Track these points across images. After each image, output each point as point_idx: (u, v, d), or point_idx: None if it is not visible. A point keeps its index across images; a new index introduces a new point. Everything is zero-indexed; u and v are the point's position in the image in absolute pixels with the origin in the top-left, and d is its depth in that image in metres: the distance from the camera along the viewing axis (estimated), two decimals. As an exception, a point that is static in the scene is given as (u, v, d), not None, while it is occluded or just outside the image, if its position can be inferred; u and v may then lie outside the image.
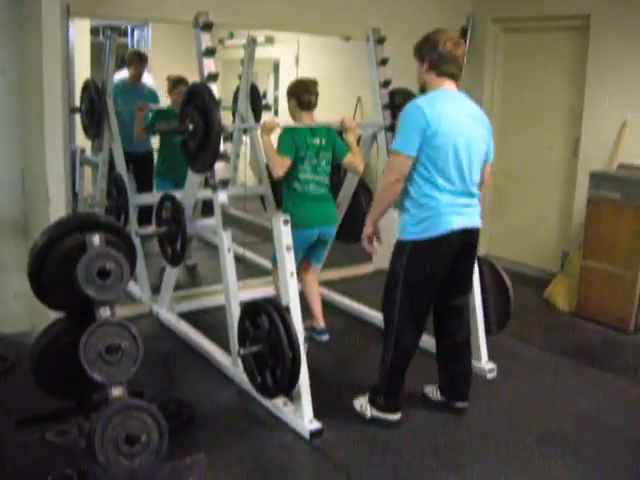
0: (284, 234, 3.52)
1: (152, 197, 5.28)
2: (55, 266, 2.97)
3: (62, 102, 4.18)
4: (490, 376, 4.19)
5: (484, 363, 4.23)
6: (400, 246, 3.50)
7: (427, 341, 4.00)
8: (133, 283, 5.19)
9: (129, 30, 8.49)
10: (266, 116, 6.61)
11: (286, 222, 3.53)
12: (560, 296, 5.63)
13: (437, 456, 3.37)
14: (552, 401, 3.98)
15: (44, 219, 3.96)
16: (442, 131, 3.25)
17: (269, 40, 7.82)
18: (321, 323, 4.68)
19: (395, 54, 4.88)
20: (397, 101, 4.77)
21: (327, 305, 5.38)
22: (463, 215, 3.41)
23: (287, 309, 3.44)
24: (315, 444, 3.44)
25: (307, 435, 3.46)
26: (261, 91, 7.44)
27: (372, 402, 3.64)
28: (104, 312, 2.93)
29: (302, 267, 4.60)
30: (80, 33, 6.91)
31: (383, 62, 4.77)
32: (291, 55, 8.16)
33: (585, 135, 5.81)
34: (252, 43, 6.53)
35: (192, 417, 3.58)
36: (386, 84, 4.75)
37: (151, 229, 4.61)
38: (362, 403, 3.70)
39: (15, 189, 4.46)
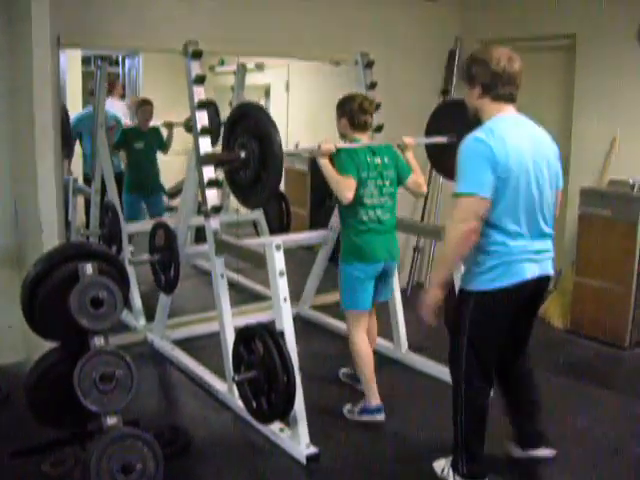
0: (277, 259, 3.52)
1: (145, 225, 5.30)
2: (48, 296, 2.98)
3: (54, 132, 4.20)
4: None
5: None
6: (464, 297, 3.08)
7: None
8: (127, 311, 5.18)
9: (120, 59, 8.56)
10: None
11: (278, 247, 3.53)
12: (555, 313, 5.64)
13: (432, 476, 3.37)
14: (549, 418, 3.97)
15: (37, 249, 3.96)
16: (510, 167, 2.81)
17: (259, 66, 7.87)
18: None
19: (384, 77, 4.93)
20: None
21: (322, 329, 5.41)
22: (537, 262, 2.99)
23: (281, 334, 3.44)
24: (311, 469, 3.43)
25: (304, 460, 3.45)
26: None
27: (454, 468, 3.19)
28: (98, 341, 2.93)
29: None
30: (71, 62, 6.96)
31: (372, 85, 4.81)
32: (282, 81, 8.22)
33: (575, 152, 5.85)
34: (242, 70, 6.58)
35: (188, 444, 3.57)
36: (376, 107, 4.76)
37: (144, 257, 4.61)
38: (444, 467, 3.28)
39: (8, 219, 4.46)
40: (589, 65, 5.67)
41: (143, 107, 6.37)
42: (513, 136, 2.87)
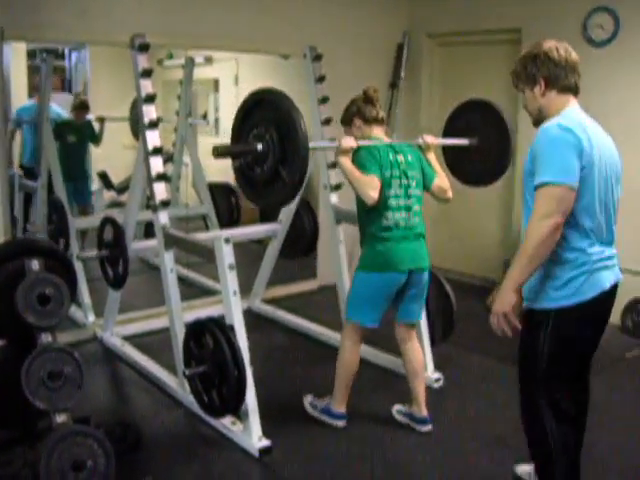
0: (226, 253, 3.51)
1: (93, 220, 5.24)
2: (-7, 293, 2.93)
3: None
4: (437, 385, 4.24)
5: (430, 373, 4.28)
6: (536, 319, 2.67)
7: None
8: (76, 308, 5.13)
9: (66, 52, 8.41)
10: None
11: (227, 241, 3.52)
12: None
13: (386, 466, 3.41)
14: (497, 406, 4.05)
15: (-18, 246, 3.89)
16: (593, 159, 2.54)
17: (208, 60, 7.81)
18: (424, 411, 3.75)
19: (333, 71, 4.94)
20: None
21: (273, 322, 5.42)
22: (611, 269, 2.74)
23: (231, 328, 3.44)
24: (264, 462, 3.44)
25: (256, 453, 3.46)
26: (202, 111, 7.46)
27: None
28: (45, 338, 2.89)
29: (399, 333, 3.78)
30: (16, 56, 6.82)
31: (320, 79, 4.82)
32: (231, 74, 8.16)
33: (521, 145, 5.92)
34: (190, 63, 6.53)
35: (139, 440, 3.54)
36: (324, 101, 4.79)
37: (93, 252, 4.56)
38: None
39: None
40: (534, 59, 5.75)
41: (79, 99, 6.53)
42: (591, 127, 2.63)
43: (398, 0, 6.63)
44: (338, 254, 4.77)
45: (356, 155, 3.46)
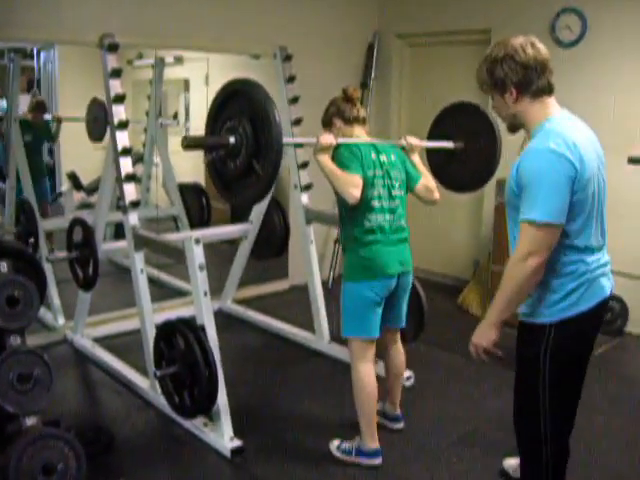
0: (196, 253, 3.50)
1: (62, 222, 5.20)
2: (-39, 296, 2.91)
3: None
4: (408, 384, 4.26)
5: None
6: (536, 334, 2.50)
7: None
8: (46, 310, 5.09)
9: (35, 52, 8.33)
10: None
11: (197, 241, 3.51)
12: (473, 302, 5.79)
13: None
14: (468, 403, 4.08)
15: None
16: (587, 177, 2.37)
17: (178, 60, 7.77)
18: (397, 409, 3.78)
19: (304, 71, 4.96)
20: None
21: (244, 323, 5.41)
22: (607, 276, 2.56)
23: (202, 328, 3.43)
24: (236, 462, 3.44)
25: (228, 453, 3.46)
26: (172, 111, 7.42)
27: None
28: (14, 340, 2.88)
29: (386, 336, 3.63)
30: (-18, 56, 6.77)
31: (290, 79, 4.82)
32: (201, 74, 8.14)
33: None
34: (160, 63, 6.51)
35: (111, 443, 3.53)
36: (294, 101, 4.80)
37: (62, 254, 4.53)
38: None
39: None
40: (503, 59, 5.80)
41: (36, 100, 6.45)
42: (579, 138, 2.42)
43: (368, 0, 6.65)
44: (309, 254, 4.78)
45: (336, 153, 3.30)
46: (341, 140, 3.31)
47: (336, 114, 3.48)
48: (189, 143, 3.06)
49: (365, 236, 3.31)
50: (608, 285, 2.54)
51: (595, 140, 2.60)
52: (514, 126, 2.59)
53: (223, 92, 3.19)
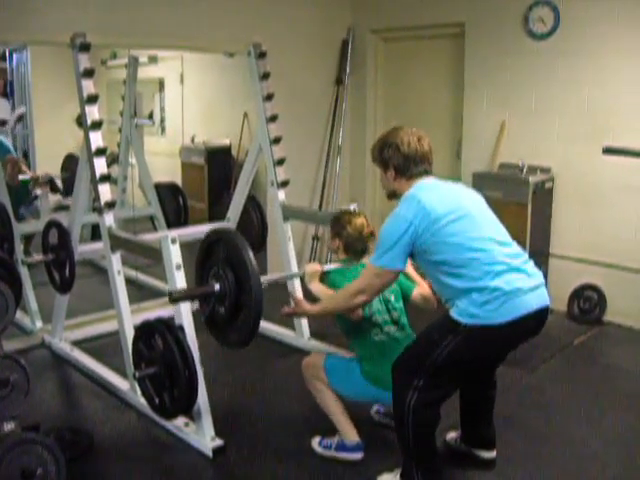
0: (173, 253, 3.48)
1: (38, 224, 5.17)
2: None
3: None
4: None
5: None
6: (451, 324, 2.83)
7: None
8: (23, 314, 5.04)
9: (7, 54, 8.26)
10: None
11: (174, 241, 3.49)
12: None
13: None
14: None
15: None
16: (446, 218, 2.86)
17: (152, 59, 7.75)
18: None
19: (279, 68, 4.95)
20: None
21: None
22: (533, 293, 2.85)
23: (181, 328, 3.41)
24: (218, 461, 3.42)
25: (210, 453, 3.45)
26: (147, 111, 7.39)
27: None
28: (-10, 345, 2.85)
29: None
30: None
31: (265, 76, 4.81)
32: (176, 73, 8.11)
33: (466, 137, 6.01)
34: (134, 63, 6.46)
35: (91, 445, 3.51)
36: (269, 98, 4.78)
37: (38, 257, 4.49)
38: None
39: None
40: (478, 52, 5.85)
41: (11, 162, 6.14)
42: (430, 196, 2.89)
43: (342, -4, 6.66)
44: (287, 251, 4.78)
45: (328, 277, 3.44)
46: (327, 268, 3.48)
47: (343, 243, 3.49)
48: (177, 297, 3.25)
49: (373, 349, 3.32)
50: (531, 302, 2.80)
51: (462, 188, 3.10)
52: (391, 196, 3.10)
53: (206, 241, 3.33)
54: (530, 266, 2.90)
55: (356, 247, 3.47)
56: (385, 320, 3.36)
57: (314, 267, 3.45)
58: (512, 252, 2.86)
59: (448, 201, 2.86)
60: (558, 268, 5.55)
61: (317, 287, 3.39)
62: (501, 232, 2.93)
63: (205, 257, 3.32)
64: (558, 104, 5.44)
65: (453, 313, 2.83)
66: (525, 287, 2.79)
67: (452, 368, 2.87)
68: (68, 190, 6.03)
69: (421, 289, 3.49)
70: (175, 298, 3.22)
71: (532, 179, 5.23)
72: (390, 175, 3.01)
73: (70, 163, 6.00)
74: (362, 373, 3.31)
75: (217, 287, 3.14)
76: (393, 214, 2.89)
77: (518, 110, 5.64)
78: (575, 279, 5.48)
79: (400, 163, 2.96)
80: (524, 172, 5.35)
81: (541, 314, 2.87)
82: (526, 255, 2.95)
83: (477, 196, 3.06)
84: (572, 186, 5.44)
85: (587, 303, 5.41)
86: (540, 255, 5.43)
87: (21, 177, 6.28)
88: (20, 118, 6.86)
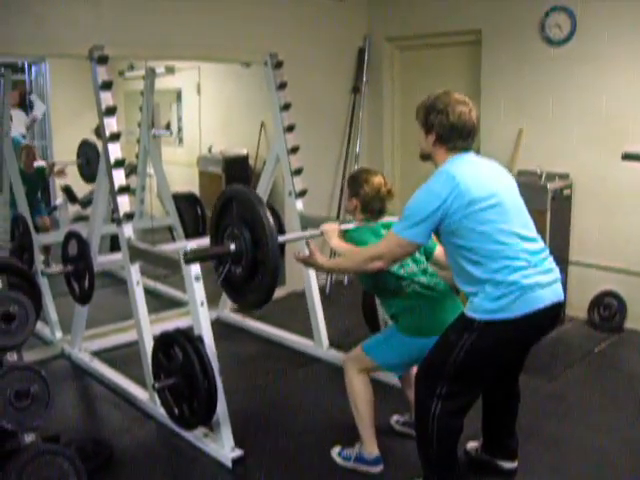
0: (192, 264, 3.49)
1: (56, 235, 5.20)
2: (-44, 314, 2.89)
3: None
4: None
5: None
6: (465, 323, 2.81)
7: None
8: (43, 325, 5.07)
9: (25, 66, 8.32)
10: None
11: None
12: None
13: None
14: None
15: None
16: (479, 199, 2.76)
17: (169, 70, 7.78)
18: None
19: (295, 77, 4.96)
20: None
21: (242, 331, 5.40)
22: (548, 288, 2.82)
23: (200, 339, 3.42)
24: (238, 472, 3.42)
25: (229, 463, 3.45)
26: (164, 122, 7.43)
27: None
28: (11, 357, 2.86)
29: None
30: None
31: (282, 86, 4.82)
32: (193, 83, 8.14)
33: (484, 145, 5.98)
34: (151, 74, 6.49)
35: (111, 456, 3.51)
36: (286, 107, 4.79)
37: (58, 268, 4.52)
38: None
39: None
40: (494, 60, 5.83)
41: (26, 150, 6.19)
42: (466, 172, 2.78)
43: (358, 4, 6.66)
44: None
45: (350, 233, 3.36)
46: (344, 227, 3.37)
47: (360, 202, 3.41)
48: (191, 257, 3.20)
49: (410, 300, 3.25)
50: (547, 297, 2.76)
51: (498, 169, 2.96)
52: (425, 158, 2.98)
53: (220, 200, 3.27)
54: (549, 262, 2.86)
55: (374, 206, 3.40)
56: (414, 272, 3.28)
57: (332, 226, 3.34)
58: (534, 248, 2.80)
59: (483, 184, 2.74)
60: (578, 275, 5.52)
61: (338, 243, 3.27)
62: (527, 225, 2.87)
63: (219, 217, 3.26)
64: (576, 110, 5.41)
65: (467, 311, 2.81)
66: (542, 282, 2.76)
67: (472, 369, 2.82)
68: (83, 175, 6.04)
69: (442, 248, 3.30)
70: (189, 258, 3.17)
71: (550, 186, 5.20)
72: (430, 139, 2.87)
73: (85, 149, 6.02)
74: (401, 331, 3.26)
75: (232, 247, 3.08)
76: (425, 187, 2.78)
77: (535, 117, 5.62)
78: (595, 286, 5.44)
79: (445, 133, 2.82)
80: (542, 179, 5.32)
81: (555, 309, 2.84)
82: (547, 251, 2.89)
83: (510, 180, 2.97)
84: (591, 192, 5.40)
85: (607, 310, 5.36)
86: (559, 262, 5.32)
87: (36, 164, 6.32)
88: (33, 122, 6.89)
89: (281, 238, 3.13)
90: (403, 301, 3.27)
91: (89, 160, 5.78)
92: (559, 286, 2.86)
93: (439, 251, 3.38)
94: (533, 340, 2.97)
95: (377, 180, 3.43)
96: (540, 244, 2.87)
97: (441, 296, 3.27)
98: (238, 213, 3.12)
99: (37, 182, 6.38)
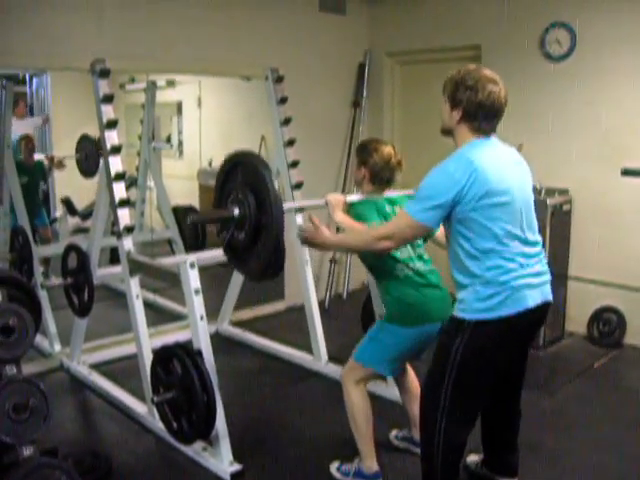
0: (191, 277, 3.49)
1: (56, 248, 5.19)
2: (-45, 326, 2.89)
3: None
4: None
5: (390, 385, 4.26)
6: (456, 325, 2.79)
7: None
8: (42, 337, 5.06)
9: (27, 78, 8.34)
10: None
11: (192, 265, 3.50)
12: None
13: None
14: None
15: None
16: (494, 191, 2.71)
17: (170, 83, 7.80)
18: None
19: (296, 91, 4.97)
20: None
21: (241, 345, 5.39)
22: (537, 289, 2.82)
23: (199, 353, 3.42)
24: (236, 486, 3.41)
25: (228, 478, 3.43)
26: (165, 135, 7.44)
27: None
28: (10, 370, 2.85)
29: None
30: (-26, 83, 6.77)
31: (282, 100, 4.83)
32: (193, 97, 8.16)
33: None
34: (152, 87, 6.52)
35: (109, 470, 3.50)
36: (286, 122, 4.80)
37: (57, 281, 4.52)
38: None
39: None
40: (494, 75, 5.83)
41: (25, 141, 6.20)
42: (485, 159, 2.71)
43: (359, 19, 6.69)
44: (305, 275, 4.78)
45: (353, 207, 3.32)
46: (351, 198, 3.33)
47: (369, 171, 3.37)
48: (194, 220, 3.15)
49: (404, 283, 3.24)
50: (536, 298, 2.76)
51: (516, 160, 2.89)
52: (445, 133, 2.91)
53: (225, 165, 3.21)
54: (541, 265, 2.84)
55: (382, 176, 3.35)
56: (410, 256, 3.26)
57: (337, 197, 3.27)
58: (531, 252, 2.78)
59: (500, 177, 2.67)
60: (577, 290, 5.52)
61: (342, 217, 3.19)
62: (531, 225, 2.82)
63: (224, 182, 3.19)
64: (575, 125, 5.43)
65: (457, 312, 2.79)
66: (532, 283, 2.75)
67: (469, 373, 2.78)
68: (82, 170, 6.04)
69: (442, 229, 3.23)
70: (193, 220, 3.12)
71: (550, 201, 5.21)
72: (455, 116, 2.77)
73: (84, 143, 6.02)
74: (387, 321, 3.28)
75: (236, 211, 3.02)
76: (443, 169, 2.71)
77: (535, 132, 5.63)
78: (594, 301, 5.44)
79: (472, 110, 2.72)
80: (542, 194, 5.33)
81: (543, 309, 2.84)
82: (542, 254, 2.87)
83: (525, 172, 2.89)
84: (590, 208, 5.41)
85: (607, 326, 5.36)
86: (559, 277, 5.40)
87: (37, 157, 6.35)
88: (43, 124, 6.93)
89: (286, 205, 3.06)
90: (395, 285, 3.26)
91: (88, 155, 5.77)
92: (548, 287, 2.87)
93: (440, 232, 3.28)
94: (524, 341, 2.97)
95: (387, 150, 3.38)
96: (538, 248, 2.86)
97: (431, 285, 3.27)
98: (243, 178, 3.06)
99: (37, 175, 6.40)
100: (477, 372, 2.82)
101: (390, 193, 3.42)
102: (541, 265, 2.85)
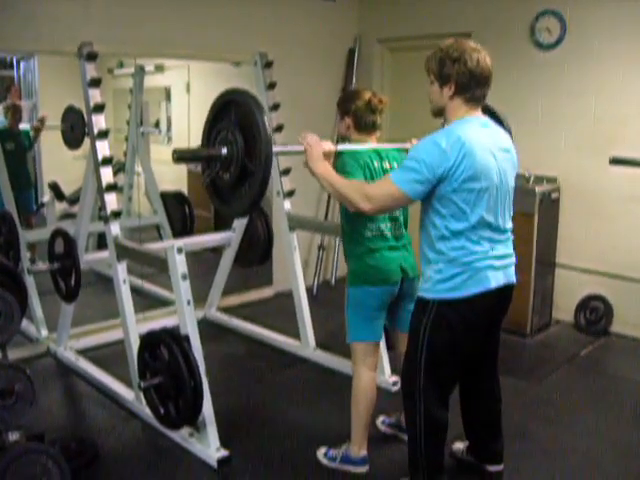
0: (178, 262, 3.47)
1: (44, 233, 5.16)
2: (-60, 311, 2.87)
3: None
4: (395, 389, 4.23)
5: (387, 377, 4.29)
6: (422, 306, 2.85)
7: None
8: (28, 322, 5.04)
9: (15, 62, 8.28)
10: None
11: (180, 250, 3.48)
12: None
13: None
14: (455, 407, 4.06)
15: None
16: (473, 170, 2.71)
17: (159, 68, 7.75)
18: None
19: (285, 77, 4.95)
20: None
21: (229, 331, 5.39)
22: (501, 271, 2.85)
23: (186, 338, 3.41)
24: (223, 472, 3.41)
25: (215, 464, 3.43)
26: (153, 120, 7.39)
27: None
28: (-5, 355, 2.85)
29: (401, 343, 3.37)
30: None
31: (271, 86, 4.81)
32: (182, 82, 8.12)
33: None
34: (140, 72, 6.47)
35: (96, 455, 3.49)
36: (275, 107, 4.78)
37: (44, 265, 4.49)
38: None
39: None
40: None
41: (13, 108, 6.26)
42: (472, 136, 2.69)
43: (349, 5, 6.67)
44: (293, 261, 4.77)
45: (337, 160, 3.24)
46: (342, 147, 3.25)
47: (353, 118, 3.33)
48: (180, 156, 3.02)
49: (368, 243, 3.24)
50: (499, 279, 2.80)
51: (505, 147, 2.86)
52: (437, 113, 2.86)
53: (216, 104, 3.11)
54: (507, 247, 2.88)
55: (367, 120, 3.28)
56: (384, 216, 3.23)
57: (326, 145, 3.10)
58: (499, 239, 2.82)
59: (486, 159, 2.67)
60: (564, 278, 5.54)
61: (324, 169, 2.97)
62: (505, 212, 2.85)
63: (215, 120, 3.08)
64: (565, 114, 5.43)
65: (422, 293, 2.85)
66: (495, 265, 2.79)
67: (439, 352, 2.84)
68: (67, 141, 6.01)
69: None
70: (179, 157, 2.98)
71: (538, 189, 5.22)
72: (447, 91, 2.74)
73: (70, 114, 5.98)
74: (350, 283, 3.28)
75: (224, 151, 2.91)
76: (433, 142, 2.66)
77: (524, 120, 5.62)
78: (581, 289, 5.46)
79: (464, 81, 2.69)
80: (531, 182, 5.34)
81: (506, 290, 2.87)
82: (510, 240, 2.91)
83: (510, 159, 2.88)
84: (578, 196, 5.43)
85: (593, 314, 5.39)
86: (546, 265, 5.42)
87: (22, 126, 6.31)
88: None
89: (275, 148, 2.97)
90: (361, 242, 3.25)
91: (73, 126, 5.74)
92: (512, 269, 2.90)
93: None
94: (490, 322, 2.95)
95: (367, 94, 3.32)
96: (507, 235, 2.89)
97: (397, 247, 3.29)
98: (235, 118, 2.94)
99: (23, 141, 6.36)
100: (444, 351, 2.86)
101: (381, 145, 3.34)
102: (506, 248, 2.88)
